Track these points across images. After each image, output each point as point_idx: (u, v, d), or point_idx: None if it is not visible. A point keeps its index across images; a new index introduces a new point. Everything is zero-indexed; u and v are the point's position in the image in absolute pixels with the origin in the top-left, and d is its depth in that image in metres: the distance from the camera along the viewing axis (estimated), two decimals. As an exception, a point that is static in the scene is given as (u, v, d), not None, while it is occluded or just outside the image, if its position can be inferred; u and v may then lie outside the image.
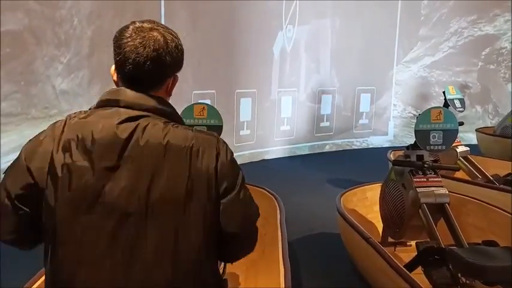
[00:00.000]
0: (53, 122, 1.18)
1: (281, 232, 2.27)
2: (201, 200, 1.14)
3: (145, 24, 1.19)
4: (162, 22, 4.56)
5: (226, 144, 1.23)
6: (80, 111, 1.21)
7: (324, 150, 6.95)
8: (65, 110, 3.56)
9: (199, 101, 5.19)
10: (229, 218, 1.18)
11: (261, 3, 5.92)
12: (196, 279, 1.16)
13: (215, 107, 2.64)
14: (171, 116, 1.21)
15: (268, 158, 6.20)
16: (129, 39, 1.16)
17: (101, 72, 3.92)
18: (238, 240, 1.25)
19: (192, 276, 1.15)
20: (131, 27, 1.19)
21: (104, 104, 1.19)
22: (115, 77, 1.23)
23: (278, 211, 2.63)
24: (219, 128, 2.63)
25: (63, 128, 1.14)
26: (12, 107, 3.14)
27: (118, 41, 1.18)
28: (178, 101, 1.54)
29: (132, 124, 1.14)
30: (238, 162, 1.25)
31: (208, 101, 5.37)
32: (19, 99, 3.20)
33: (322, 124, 6.95)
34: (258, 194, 2.98)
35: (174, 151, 1.13)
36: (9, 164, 1.13)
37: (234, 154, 1.25)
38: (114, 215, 1.10)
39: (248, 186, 1.26)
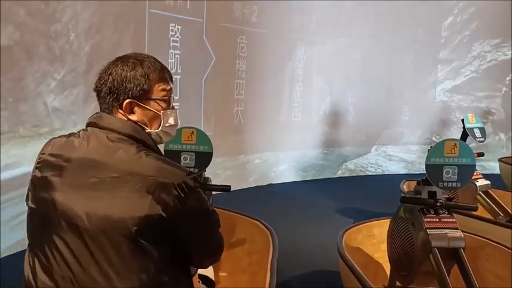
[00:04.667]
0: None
1: (269, 277, 2.01)
2: None
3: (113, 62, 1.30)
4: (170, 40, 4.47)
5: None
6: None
7: (336, 176, 6.65)
8: (57, 128, 3.40)
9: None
10: None
11: (273, 23, 5.75)
12: None
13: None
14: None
15: (276, 183, 5.93)
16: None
17: (97, 90, 3.76)
18: None
19: None
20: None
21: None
22: None
23: (271, 250, 2.36)
24: (208, 155, 2.41)
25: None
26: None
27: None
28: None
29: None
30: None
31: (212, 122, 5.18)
32: (6, 116, 3.04)
33: (334, 148, 6.67)
34: (252, 226, 2.73)
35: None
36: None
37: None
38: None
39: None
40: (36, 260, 1.22)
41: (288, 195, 5.48)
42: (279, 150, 6.04)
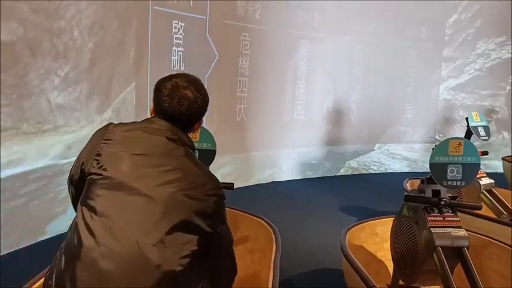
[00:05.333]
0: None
1: (272, 276, 2.00)
2: None
3: (180, 82, 1.50)
4: (173, 38, 4.46)
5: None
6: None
7: (339, 174, 6.64)
8: (60, 125, 3.40)
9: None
10: None
11: (276, 20, 5.74)
12: None
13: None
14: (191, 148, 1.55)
15: (278, 181, 5.92)
16: (167, 98, 1.48)
17: (101, 86, 3.76)
18: None
19: None
20: (169, 84, 1.49)
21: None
22: (153, 114, 1.54)
23: (274, 248, 2.36)
24: (212, 153, 2.41)
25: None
26: (1, 121, 2.98)
27: (157, 95, 1.50)
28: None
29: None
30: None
31: (214, 119, 5.17)
32: (10, 113, 3.04)
33: (337, 146, 6.66)
34: (255, 224, 2.72)
35: None
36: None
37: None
38: None
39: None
40: (99, 219, 1.32)
41: (290, 193, 5.48)
42: (281, 148, 6.03)
